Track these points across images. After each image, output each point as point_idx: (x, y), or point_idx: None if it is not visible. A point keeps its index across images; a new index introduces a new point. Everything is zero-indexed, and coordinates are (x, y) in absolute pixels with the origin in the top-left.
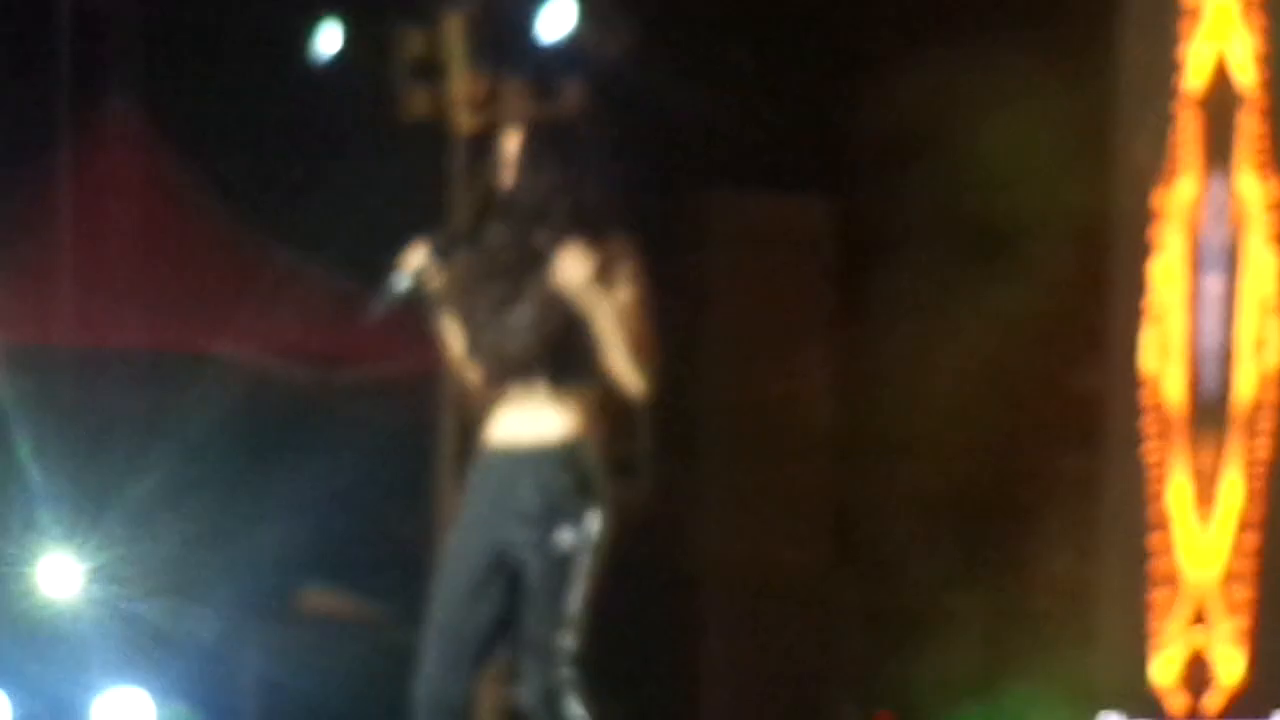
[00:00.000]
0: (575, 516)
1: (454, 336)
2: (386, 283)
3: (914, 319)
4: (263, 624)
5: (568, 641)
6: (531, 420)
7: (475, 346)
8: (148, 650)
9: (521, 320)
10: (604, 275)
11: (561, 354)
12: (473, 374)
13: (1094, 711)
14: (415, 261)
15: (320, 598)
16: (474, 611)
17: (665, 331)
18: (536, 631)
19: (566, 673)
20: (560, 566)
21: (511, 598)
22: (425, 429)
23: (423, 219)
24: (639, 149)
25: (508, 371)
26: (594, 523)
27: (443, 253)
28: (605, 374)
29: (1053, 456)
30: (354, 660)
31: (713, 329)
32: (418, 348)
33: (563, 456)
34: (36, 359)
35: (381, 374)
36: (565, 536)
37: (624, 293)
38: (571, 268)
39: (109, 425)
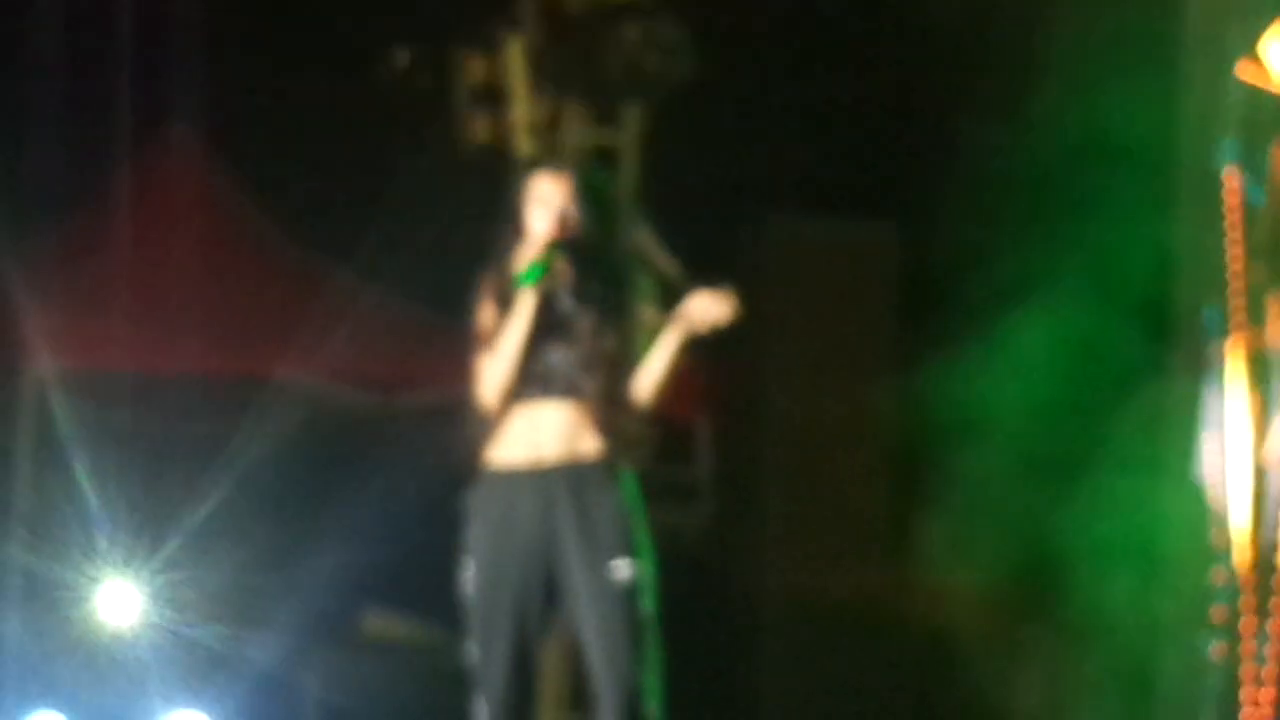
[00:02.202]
0: (627, 540)
1: (501, 352)
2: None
3: (978, 346)
4: (323, 649)
5: (646, 685)
6: (570, 438)
7: (528, 364)
8: (208, 676)
9: (580, 342)
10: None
11: (605, 378)
12: (496, 392)
13: None
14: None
15: (382, 622)
16: (530, 638)
17: (727, 358)
18: (607, 678)
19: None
20: (622, 599)
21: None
22: None
23: (483, 245)
24: (701, 175)
25: (553, 391)
26: (646, 547)
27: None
28: (627, 390)
29: (1121, 485)
30: (416, 685)
31: (774, 356)
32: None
33: (608, 473)
34: (95, 384)
35: (442, 398)
36: (621, 563)
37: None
38: (712, 309)
39: (168, 450)
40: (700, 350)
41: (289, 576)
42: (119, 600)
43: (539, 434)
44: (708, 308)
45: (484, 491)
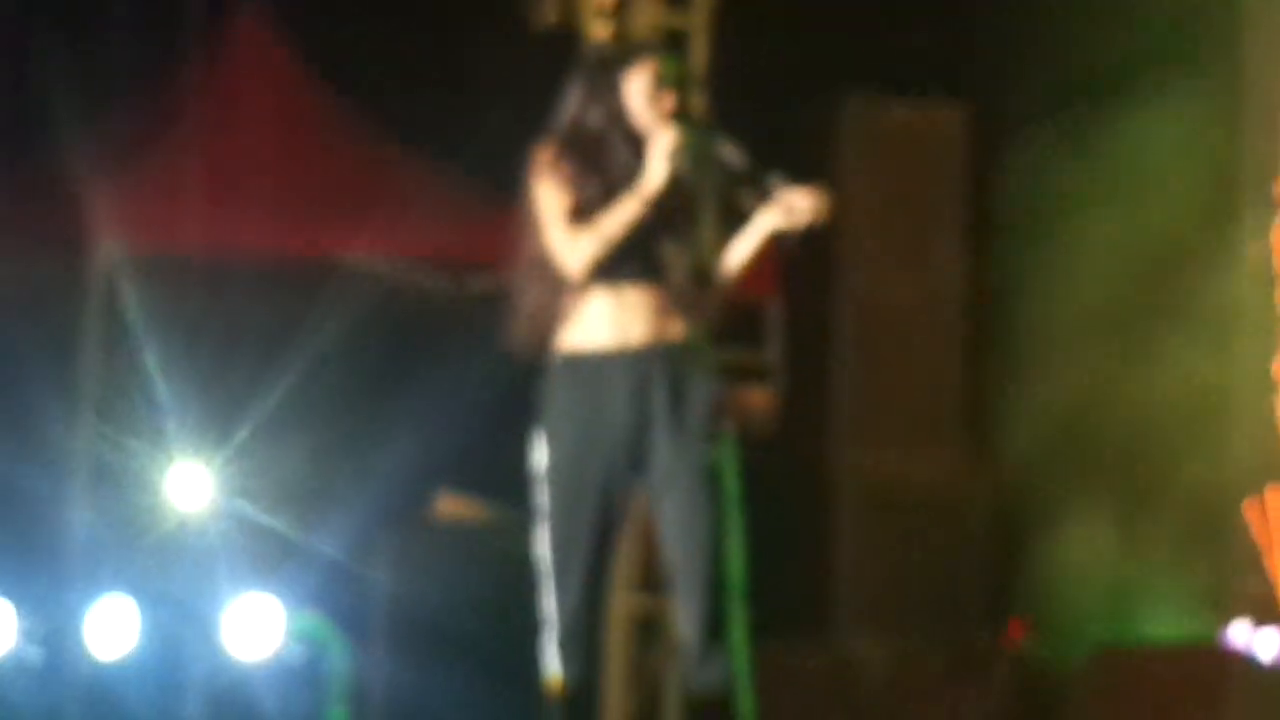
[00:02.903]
0: (715, 422)
1: (606, 232)
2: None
3: (1049, 221)
4: (393, 533)
5: (728, 566)
6: (658, 320)
7: (624, 247)
8: (277, 562)
9: (669, 224)
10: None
11: (692, 260)
12: (589, 270)
13: (1225, 619)
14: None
15: (453, 503)
16: (612, 523)
17: (799, 238)
18: (693, 558)
19: (725, 603)
20: (708, 481)
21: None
22: None
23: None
24: (772, 56)
25: (640, 273)
26: (730, 429)
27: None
28: (710, 273)
29: (1190, 363)
30: (486, 568)
31: (846, 236)
32: None
33: (695, 355)
34: (164, 267)
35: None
36: (708, 445)
37: None
38: (809, 207)
39: (237, 333)
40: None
41: (360, 461)
42: (188, 485)
43: (625, 316)
44: (805, 206)
45: (566, 375)
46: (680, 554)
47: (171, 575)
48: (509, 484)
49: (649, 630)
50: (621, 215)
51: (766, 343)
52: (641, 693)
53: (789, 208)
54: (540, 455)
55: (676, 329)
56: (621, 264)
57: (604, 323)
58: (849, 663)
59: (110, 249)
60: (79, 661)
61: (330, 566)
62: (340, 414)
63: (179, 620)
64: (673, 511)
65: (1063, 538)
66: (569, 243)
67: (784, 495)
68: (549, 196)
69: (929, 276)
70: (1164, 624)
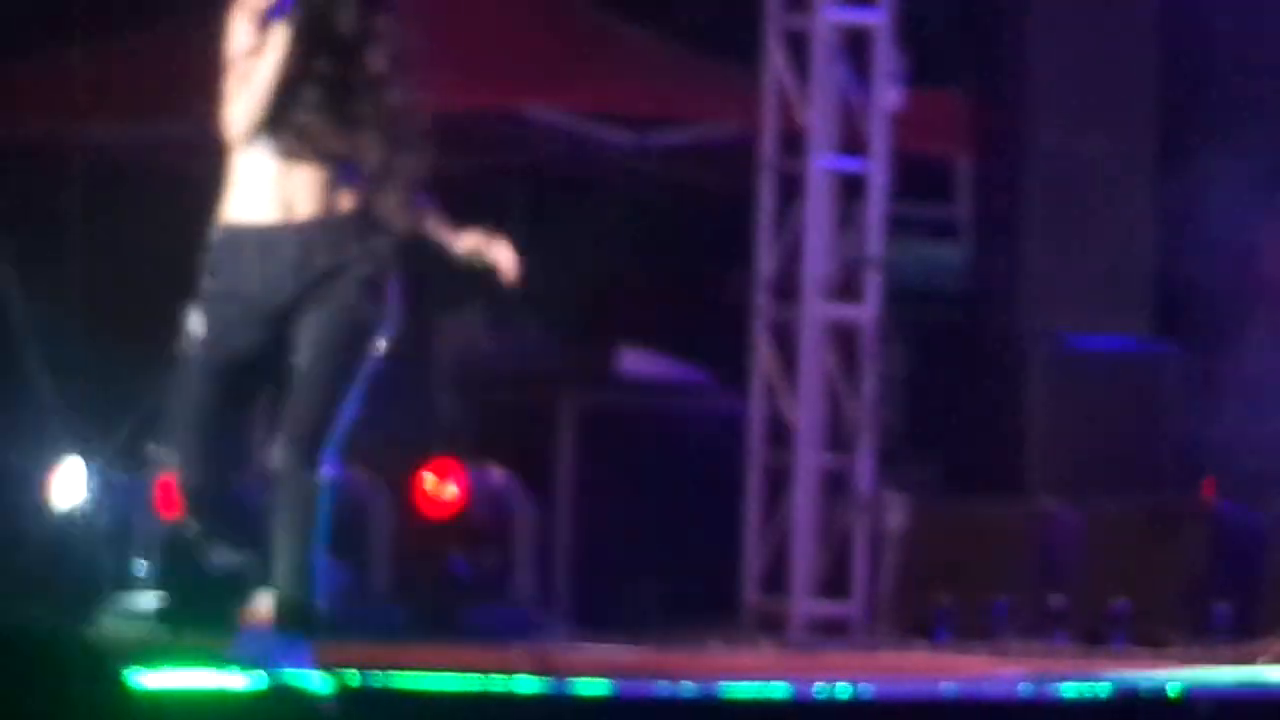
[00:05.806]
0: (376, 296)
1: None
2: None
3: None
4: None
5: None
6: (324, 197)
7: (279, 117)
8: None
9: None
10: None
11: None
12: (244, 129)
13: None
14: None
15: None
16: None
17: (990, 93)
18: (304, 412)
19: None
20: (353, 338)
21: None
22: (742, 191)
23: None
24: None
25: (308, 148)
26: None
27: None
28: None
29: None
30: None
31: (1039, 92)
32: (735, 110)
33: (360, 228)
34: None
35: (698, 136)
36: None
37: None
38: (498, 257)
39: None
40: (963, 87)
41: None
42: None
43: (290, 191)
44: (499, 258)
45: (227, 247)
46: (302, 383)
47: None
48: None
49: (839, 485)
50: (259, 68)
51: (955, 199)
52: (831, 544)
53: (482, 246)
54: (194, 324)
55: (346, 204)
56: (294, 136)
57: (268, 197)
58: (1042, 518)
59: None
60: None
61: None
62: None
63: None
64: (307, 351)
65: (1255, 400)
66: (231, 93)
67: (975, 358)
68: (231, 40)
69: (1122, 135)
70: None
